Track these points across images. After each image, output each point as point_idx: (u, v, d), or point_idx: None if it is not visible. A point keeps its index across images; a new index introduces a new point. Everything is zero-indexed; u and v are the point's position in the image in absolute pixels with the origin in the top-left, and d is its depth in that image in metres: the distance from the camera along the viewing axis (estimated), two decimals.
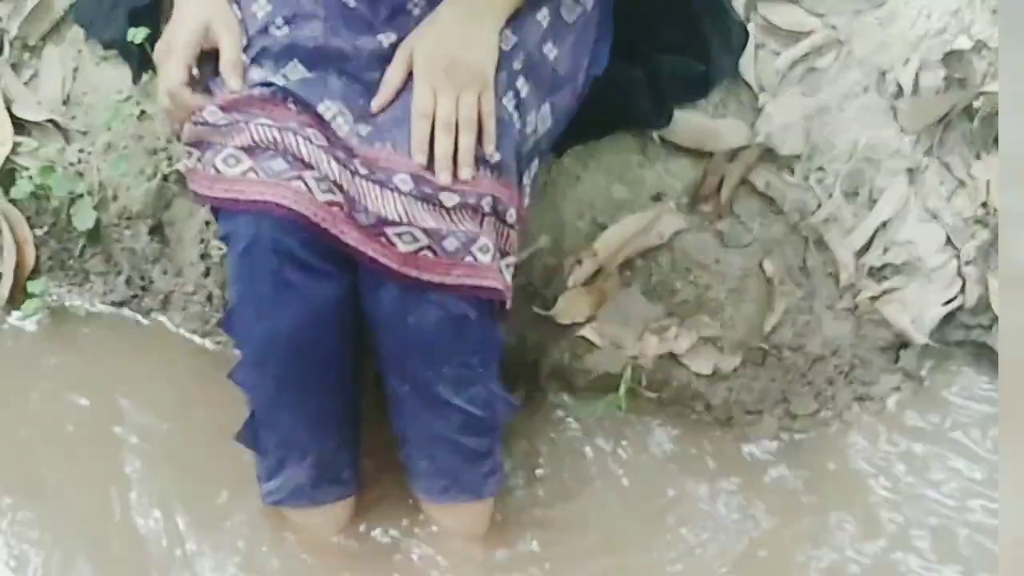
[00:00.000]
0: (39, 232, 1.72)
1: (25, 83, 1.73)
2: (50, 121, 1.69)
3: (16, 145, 1.69)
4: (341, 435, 1.40)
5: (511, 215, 1.33)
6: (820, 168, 1.61)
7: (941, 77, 1.65)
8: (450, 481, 1.39)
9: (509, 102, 1.33)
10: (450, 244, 1.27)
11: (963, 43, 1.65)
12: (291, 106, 1.29)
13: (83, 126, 1.70)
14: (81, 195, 1.66)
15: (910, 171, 1.65)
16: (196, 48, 1.32)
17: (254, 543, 1.44)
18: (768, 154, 1.59)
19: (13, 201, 1.69)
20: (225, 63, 1.31)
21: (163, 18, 1.62)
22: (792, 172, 1.60)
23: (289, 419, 1.35)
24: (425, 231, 1.26)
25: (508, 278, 1.33)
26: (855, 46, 1.66)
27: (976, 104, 1.66)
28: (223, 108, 1.29)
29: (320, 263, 1.28)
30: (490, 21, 1.32)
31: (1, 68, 1.72)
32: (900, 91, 1.65)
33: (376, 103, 1.32)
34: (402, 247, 1.26)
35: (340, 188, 1.26)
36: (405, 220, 1.25)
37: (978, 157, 1.68)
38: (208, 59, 1.34)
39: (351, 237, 1.26)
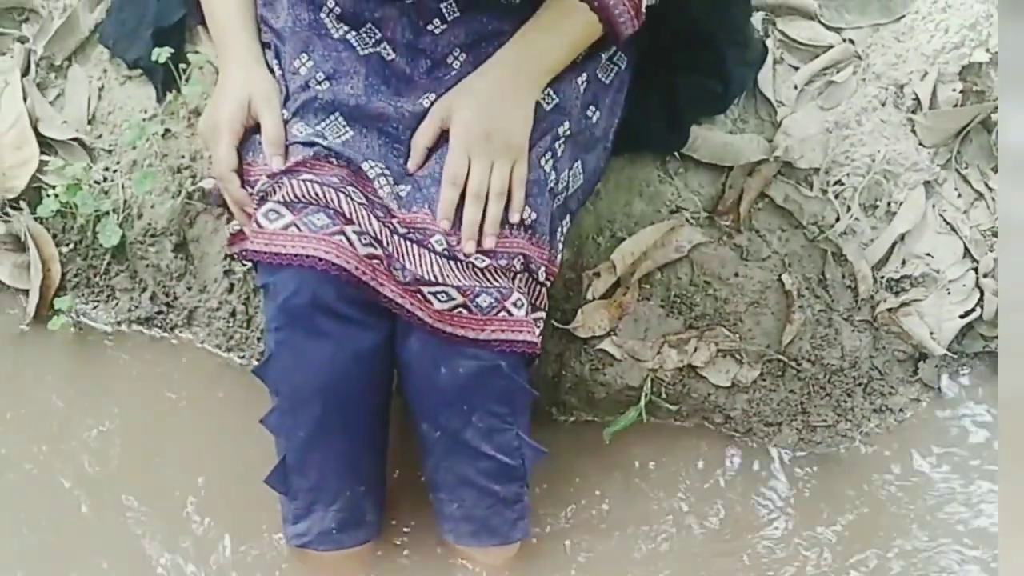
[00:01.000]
0: (65, 249, 1.73)
1: (51, 102, 1.74)
2: (76, 140, 1.71)
3: (42, 164, 1.70)
4: (369, 479, 1.40)
5: (542, 273, 1.35)
6: (838, 181, 1.62)
7: (959, 90, 1.65)
8: (479, 526, 1.40)
9: (547, 163, 1.35)
10: (484, 301, 1.29)
11: (980, 56, 1.65)
12: (332, 160, 1.30)
13: (108, 144, 1.71)
14: (106, 213, 1.68)
15: (928, 184, 1.65)
16: (241, 128, 1.35)
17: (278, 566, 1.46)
18: (787, 168, 1.60)
19: (39, 219, 1.71)
20: (267, 142, 1.32)
21: (187, 38, 1.64)
22: (811, 186, 1.61)
23: (320, 465, 1.35)
24: (459, 289, 1.28)
25: (538, 331, 1.35)
26: (873, 60, 1.67)
27: (994, 117, 1.66)
28: (270, 176, 1.30)
29: (357, 314, 1.29)
30: (528, 92, 1.34)
31: (27, 87, 1.73)
32: (918, 104, 1.66)
33: (412, 164, 1.33)
34: (438, 305, 1.28)
35: (380, 243, 1.28)
36: (440, 280, 1.27)
37: (995, 170, 1.68)
38: (248, 132, 1.36)
39: (389, 290, 1.28)
